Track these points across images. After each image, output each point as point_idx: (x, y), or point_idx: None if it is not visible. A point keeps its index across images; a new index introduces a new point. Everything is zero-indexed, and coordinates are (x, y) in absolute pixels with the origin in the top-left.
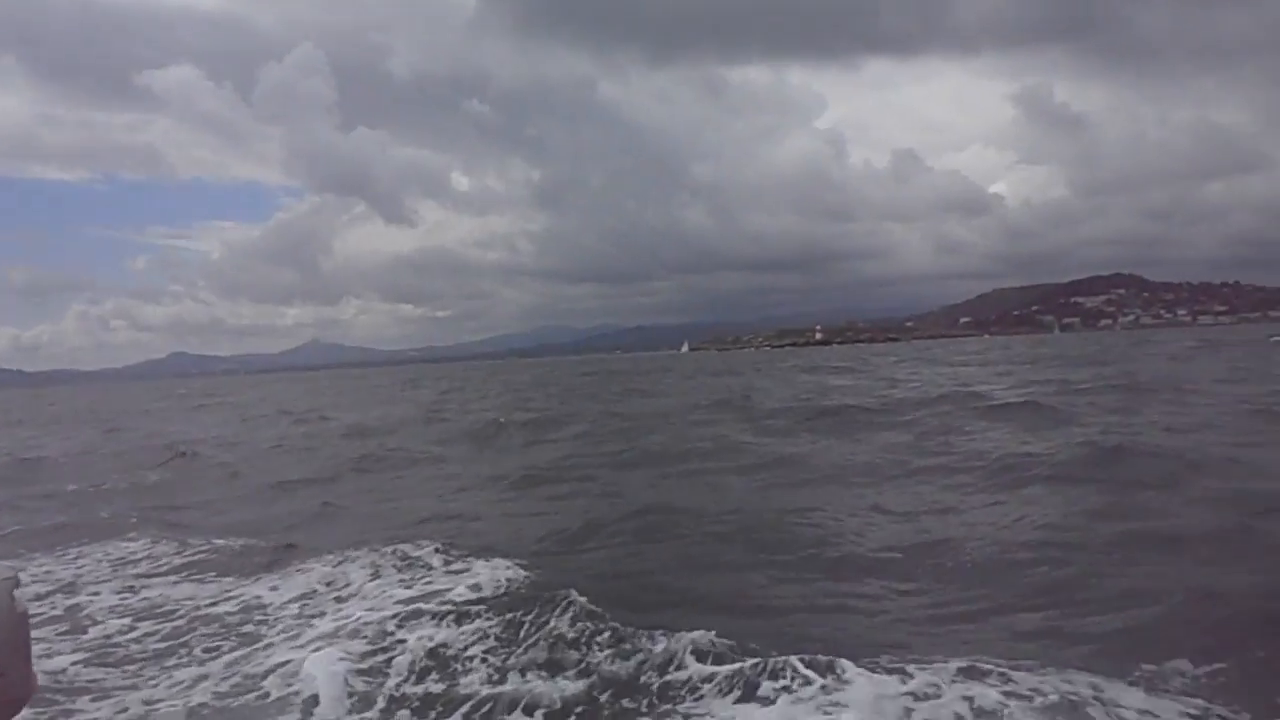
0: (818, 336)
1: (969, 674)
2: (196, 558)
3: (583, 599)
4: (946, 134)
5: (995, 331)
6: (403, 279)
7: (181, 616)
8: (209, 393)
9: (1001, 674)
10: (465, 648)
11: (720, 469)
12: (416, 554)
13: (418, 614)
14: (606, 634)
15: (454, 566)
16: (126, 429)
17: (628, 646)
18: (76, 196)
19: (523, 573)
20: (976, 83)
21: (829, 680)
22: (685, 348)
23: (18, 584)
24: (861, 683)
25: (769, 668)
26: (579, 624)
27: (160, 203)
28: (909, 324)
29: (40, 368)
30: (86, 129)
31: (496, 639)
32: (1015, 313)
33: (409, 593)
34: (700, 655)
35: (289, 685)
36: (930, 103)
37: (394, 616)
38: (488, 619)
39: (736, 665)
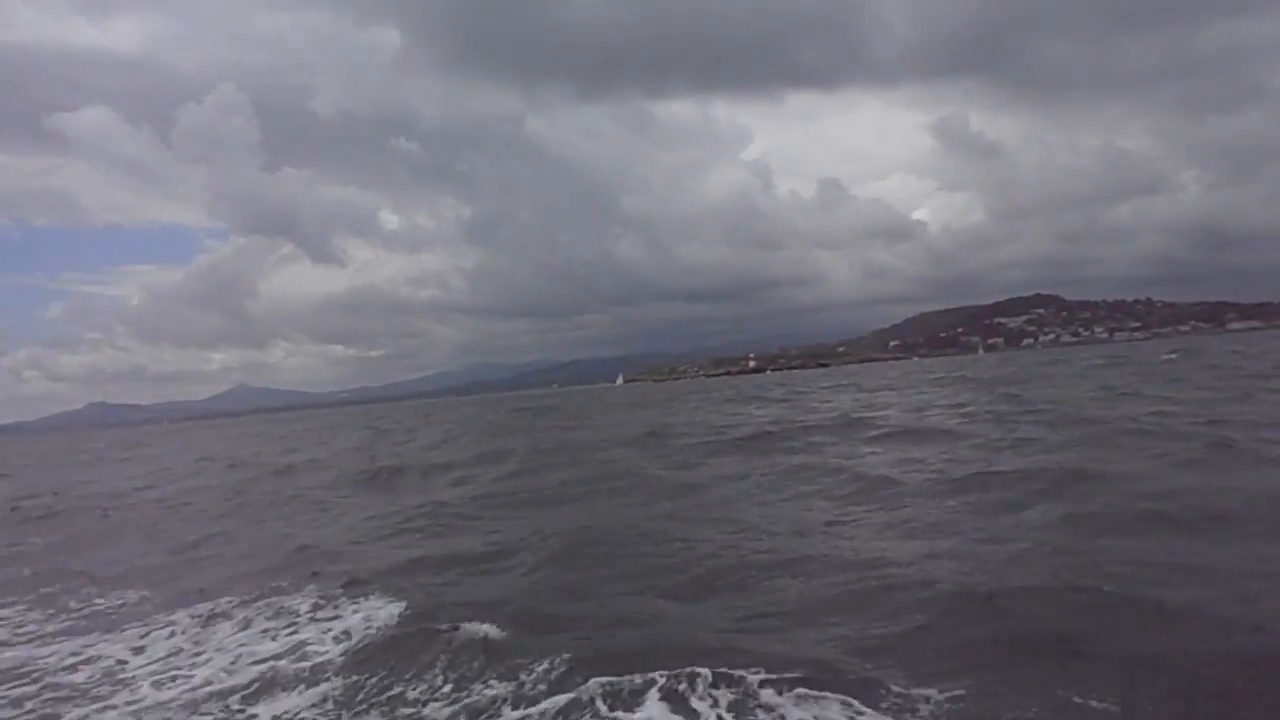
0: (751, 365)
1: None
2: (71, 619)
3: (458, 632)
4: (869, 163)
5: (923, 354)
6: (333, 319)
7: (34, 682)
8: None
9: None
10: None
11: (626, 500)
12: (291, 602)
13: (272, 682)
14: (465, 668)
15: (324, 613)
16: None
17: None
18: None
19: (399, 609)
20: (896, 113)
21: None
22: (620, 380)
23: None
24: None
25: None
26: (446, 660)
27: (75, 248)
28: (840, 349)
29: None
30: None
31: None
32: (942, 334)
33: (273, 646)
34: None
35: None
36: (852, 133)
37: (248, 685)
38: (348, 677)
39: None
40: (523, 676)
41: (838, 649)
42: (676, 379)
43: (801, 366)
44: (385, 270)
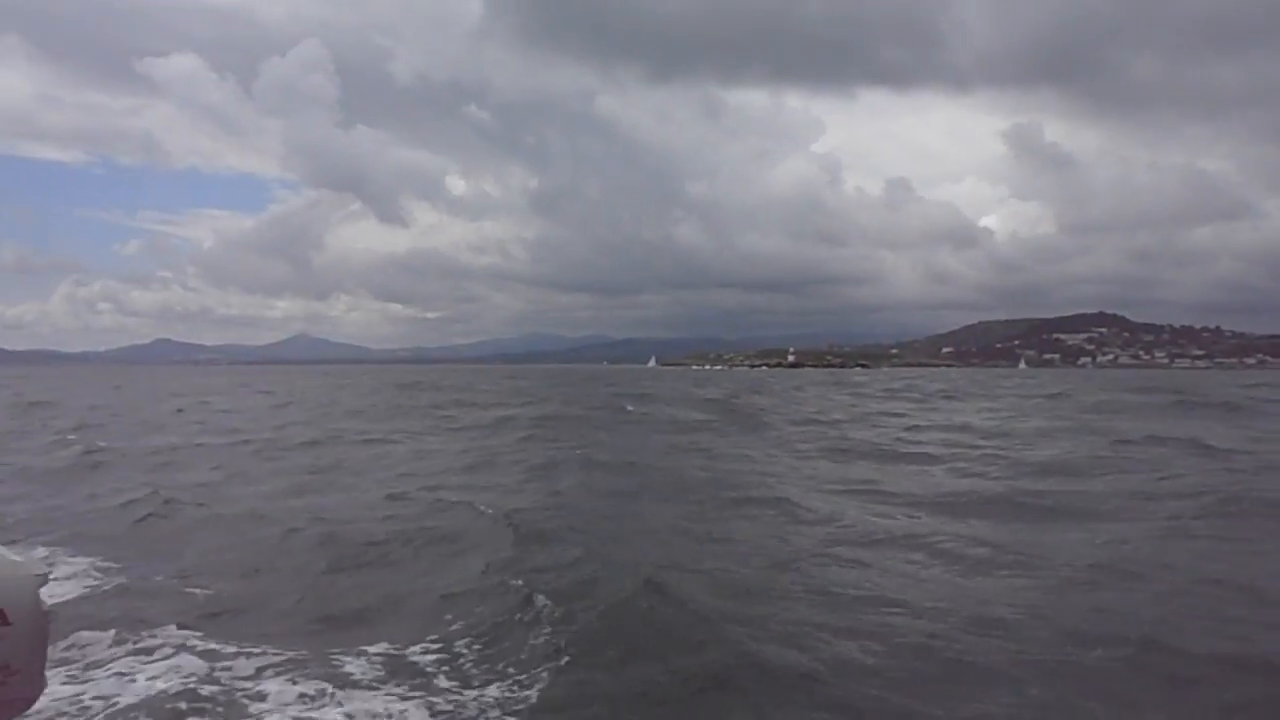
0: (790, 359)
1: None
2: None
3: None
4: (938, 165)
5: (975, 363)
6: (394, 278)
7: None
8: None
9: None
10: None
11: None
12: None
13: None
14: None
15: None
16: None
17: None
18: (71, 177)
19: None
20: (969, 118)
21: None
22: (652, 362)
23: (45, 582)
24: None
25: None
26: None
27: (154, 188)
28: (894, 351)
29: (22, 347)
30: (85, 111)
31: None
32: (997, 345)
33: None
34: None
35: None
36: (923, 134)
37: None
38: None
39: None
40: None
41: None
42: (714, 366)
43: (842, 365)
44: (448, 234)
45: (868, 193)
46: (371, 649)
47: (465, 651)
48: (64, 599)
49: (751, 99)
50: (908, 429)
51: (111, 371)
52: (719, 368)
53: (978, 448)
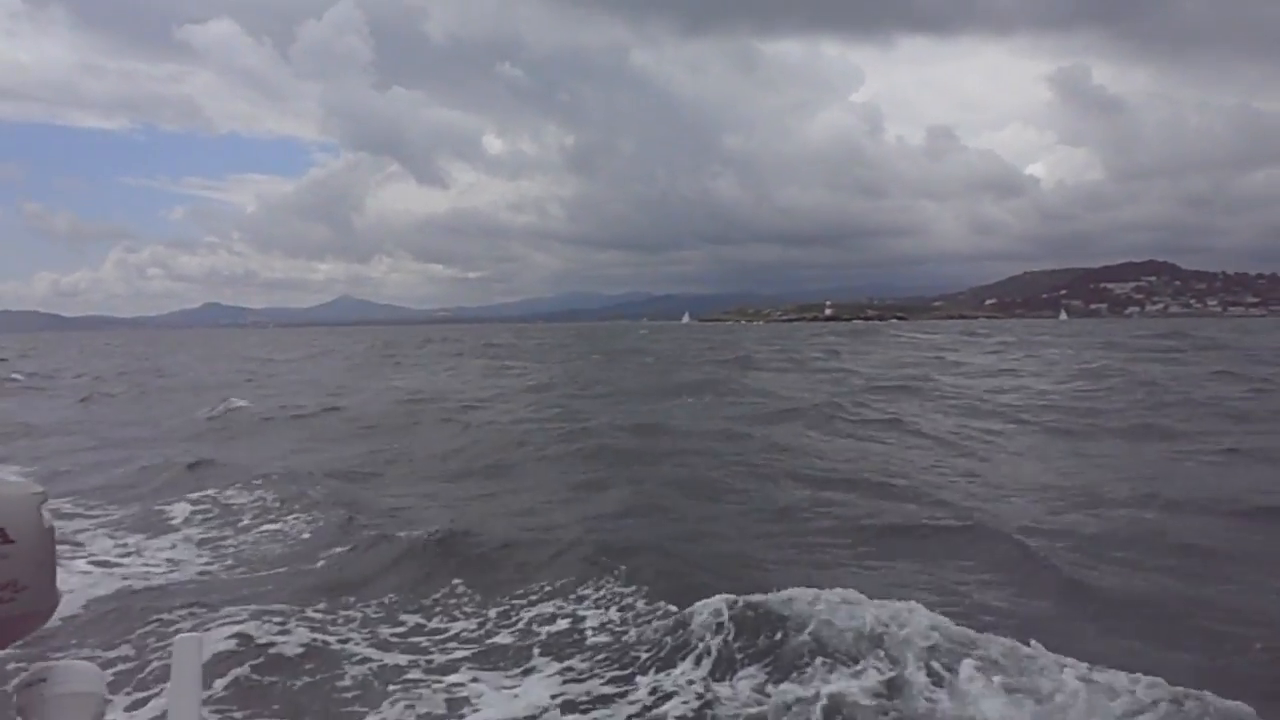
0: (827, 313)
1: None
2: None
3: None
4: (981, 113)
5: (1019, 314)
6: (434, 239)
7: None
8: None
9: None
10: None
11: None
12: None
13: None
14: None
15: None
16: None
17: None
18: (116, 145)
19: None
20: (1012, 63)
21: None
22: (686, 318)
23: (45, 500)
24: None
25: None
26: None
27: (197, 154)
28: (937, 304)
29: (78, 313)
30: (127, 79)
31: None
32: (1043, 296)
33: None
34: None
35: None
36: (965, 81)
37: None
38: None
39: None
40: None
41: None
42: (750, 320)
43: (880, 318)
44: (486, 194)
45: (909, 142)
46: None
47: None
48: None
49: (787, 50)
50: None
51: (178, 336)
52: (757, 323)
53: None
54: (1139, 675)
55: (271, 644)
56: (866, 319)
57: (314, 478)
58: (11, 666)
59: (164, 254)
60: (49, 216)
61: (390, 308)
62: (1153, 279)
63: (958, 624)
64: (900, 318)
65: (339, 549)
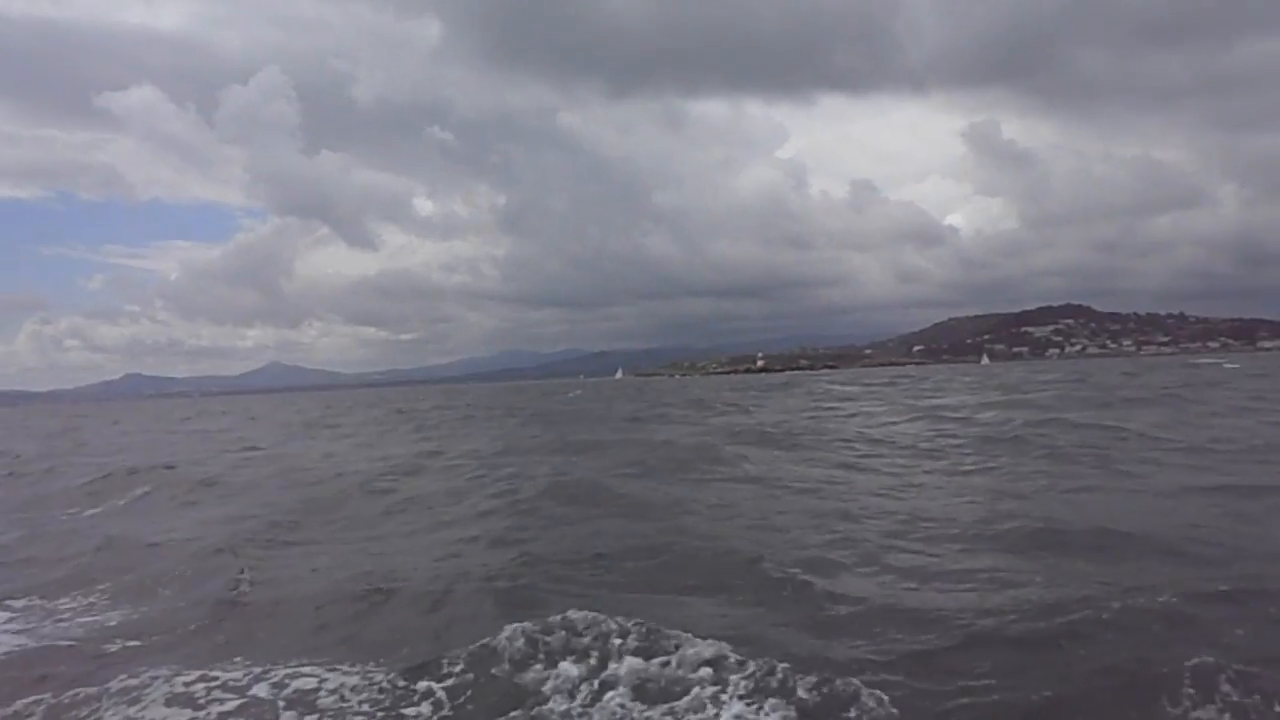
0: (759, 364)
1: None
2: None
3: None
4: (900, 166)
5: (946, 359)
6: (366, 302)
7: None
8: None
9: None
10: None
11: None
12: None
13: None
14: None
15: None
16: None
17: None
18: (31, 214)
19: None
20: (928, 118)
21: None
22: (619, 374)
23: None
24: None
25: None
26: None
27: (117, 222)
28: (867, 351)
29: None
30: (44, 146)
31: None
32: (968, 341)
33: None
34: None
35: None
36: (884, 137)
37: None
38: None
39: None
40: None
41: None
42: (684, 374)
43: (810, 368)
44: (418, 255)
45: (833, 195)
46: None
47: None
48: None
49: (712, 109)
50: None
51: (93, 409)
52: (694, 375)
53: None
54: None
55: None
56: (799, 369)
57: None
58: None
59: (82, 324)
60: None
61: (322, 372)
62: (1070, 321)
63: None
64: (831, 366)
65: None
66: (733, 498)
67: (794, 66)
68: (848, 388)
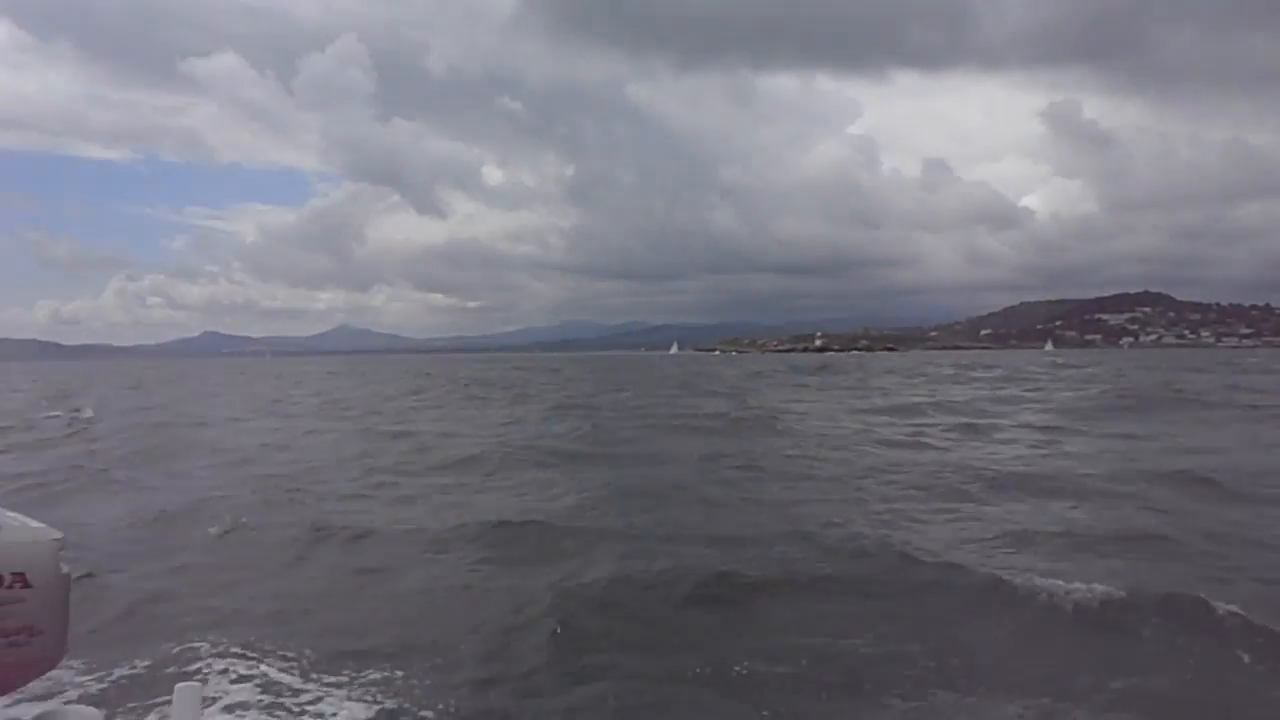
0: (818, 344)
1: None
2: None
3: None
4: (976, 145)
5: (1014, 345)
6: (433, 269)
7: None
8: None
9: None
10: None
11: None
12: None
13: None
14: None
15: None
16: None
17: None
18: (119, 175)
19: None
20: (1006, 96)
21: None
22: (674, 349)
23: (63, 546)
24: None
25: None
26: None
27: (199, 184)
28: (933, 334)
29: (77, 342)
30: (131, 110)
31: None
32: (1038, 327)
33: None
34: None
35: None
36: (959, 115)
37: None
38: None
39: None
40: None
41: None
42: (740, 352)
43: (868, 349)
44: (485, 224)
45: (904, 174)
46: None
47: None
48: None
49: (783, 83)
50: None
51: (181, 365)
52: (750, 353)
53: None
54: None
55: (276, 691)
56: (859, 350)
57: None
58: (15, 712)
59: (164, 283)
60: (51, 245)
61: (390, 336)
62: (1147, 310)
63: None
64: (890, 348)
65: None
66: None
67: (868, 42)
68: (882, 380)
